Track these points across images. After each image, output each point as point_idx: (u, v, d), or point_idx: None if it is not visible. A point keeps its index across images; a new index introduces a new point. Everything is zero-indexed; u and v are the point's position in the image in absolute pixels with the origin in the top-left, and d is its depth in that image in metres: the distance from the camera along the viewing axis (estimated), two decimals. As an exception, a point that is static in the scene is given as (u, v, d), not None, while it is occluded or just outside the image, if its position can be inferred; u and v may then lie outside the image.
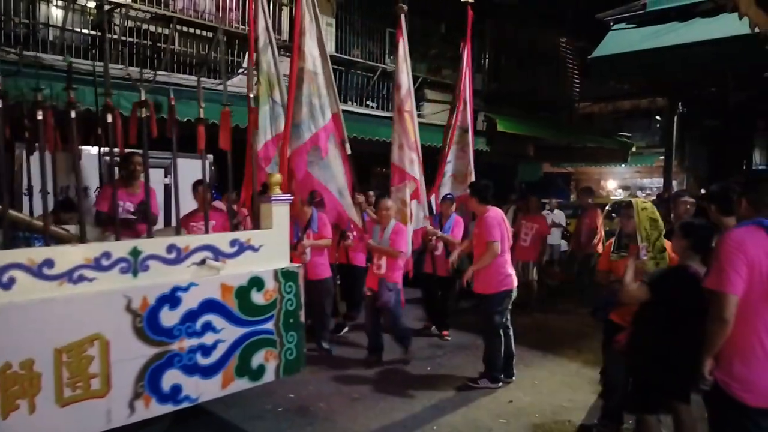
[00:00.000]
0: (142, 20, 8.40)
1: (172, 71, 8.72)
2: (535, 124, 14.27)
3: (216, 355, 3.81)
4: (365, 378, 5.76)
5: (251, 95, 5.23)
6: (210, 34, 9.12)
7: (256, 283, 3.99)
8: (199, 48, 9.20)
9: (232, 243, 3.96)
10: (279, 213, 4.21)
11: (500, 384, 5.52)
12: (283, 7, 10.18)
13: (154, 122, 4.28)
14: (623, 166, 19.96)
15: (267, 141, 5.57)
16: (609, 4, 9.11)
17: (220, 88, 9.04)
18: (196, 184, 5.30)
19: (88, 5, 7.95)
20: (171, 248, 3.68)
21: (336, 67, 11.12)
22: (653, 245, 3.90)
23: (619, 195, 20.11)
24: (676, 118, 13.09)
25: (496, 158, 13.37)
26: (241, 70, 9.59)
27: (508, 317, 5.61)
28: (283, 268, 4.14)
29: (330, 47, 10.89)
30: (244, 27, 9.44)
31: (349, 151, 5.75)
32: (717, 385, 2.89)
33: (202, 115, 4.27)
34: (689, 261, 3.45)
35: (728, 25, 5.92)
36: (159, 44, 8.58)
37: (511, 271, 5.52)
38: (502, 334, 5.48)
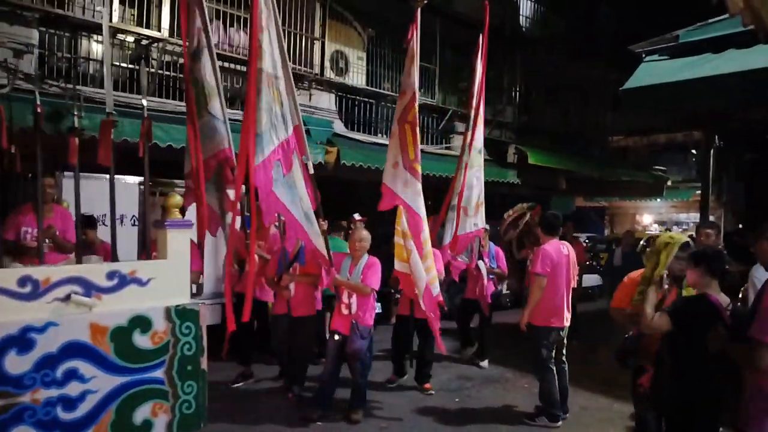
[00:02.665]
0: (179, 54, 8.66)
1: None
2: (567, 157, 14.16)
3: (84, 408, 3.22)
4: (393, 407, 5.69)
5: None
6: (243, 68, 9.33)
7: (140, 323, 3.40)
8: (233, 81, 9.42)
9: (110, 275, 3.40)
10: (176, 241, 3.66)
11: (560, 423, 5.30)
12: (315, 42, 10.38)
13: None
14: (659, 200, 19.61)
15: (205, 158, 4.75)
16: (641, 36, 9.06)
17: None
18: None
19: (126, 40, 8.24)
20: (25, 281, 3.14)
21: (367, 99, 11.28)
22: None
23: (655, 230, 19.70)
24: (712, 151, 12.82)
25: (527, 191, 13.27)
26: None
27: (564, 352, 5.49)
28: (178, 306, 3.53)
29: (361, 80, 11.07)
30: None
31: (311, 171, 5.04)
32: None
33: (76, 124, 4.07)
34: (707, 289, 3.34)
35: (764, 56, 5.80)
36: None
37: (563, 307, 5.27)
38: (553, 368, 5.30)
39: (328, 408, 5.30)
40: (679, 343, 3.38)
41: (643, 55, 7.83)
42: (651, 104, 7.56)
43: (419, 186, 5.62)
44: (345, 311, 5.18)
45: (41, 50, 7.47)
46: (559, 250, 5.31)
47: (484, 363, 7.27)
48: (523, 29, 14.52)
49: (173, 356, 3.52)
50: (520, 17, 14.50)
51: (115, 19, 7.90)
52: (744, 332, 2.89)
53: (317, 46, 10.37)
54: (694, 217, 18.58)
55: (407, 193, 5.57)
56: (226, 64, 9.26)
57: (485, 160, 13.02)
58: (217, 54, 8.74)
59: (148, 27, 8.24)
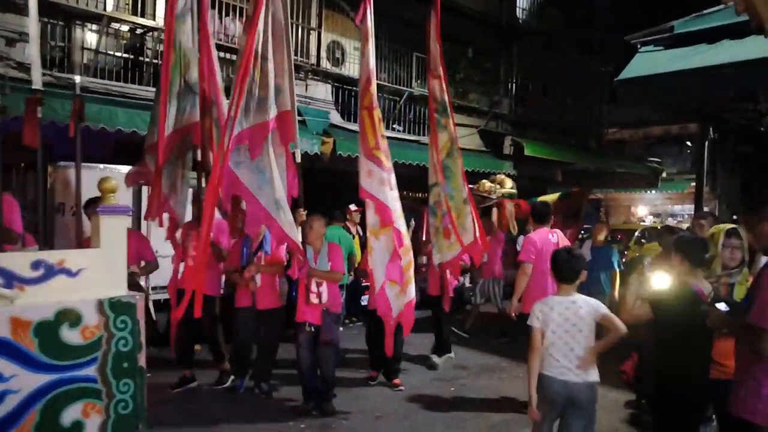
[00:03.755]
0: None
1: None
2: (563, 149, 14.21)
3: (2, 410, 2.99)
4: (389, 397, 5.70)
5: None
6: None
7: (69, 316, 3.15)
8: (229, 71, 9.38)
9: (35, 265, 3.13)
10: (110, 228, 3.39)
11: None
12: (311, 32, 10.36)
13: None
14: (653, 192, 19.66)
15: (169, 133, 4.66)
16: (637, 28, 9.06)
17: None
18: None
19: (121, 29, 8.20)
20: None
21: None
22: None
23: (650, 221, 19.75)
24: (707, 143, 12.86)
25: (523, 183, 13.28)
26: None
27: None
28: (112, 299, 3.28)
29: (357, 71, 11.02)
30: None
31: (298, 159, 4.86)
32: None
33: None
34: (690, 277, 3.35)
35: (758, 47, 5.81)
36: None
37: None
38: None
39: (315, 399, 5.20)
40: (661, 331, 3.40)
41: (639, 46, 7.82)
42: (646, 95, 7.55)
43: (384, 175, 5.07)
44: (315, 300, 5.02)
45: (35, 39, 7.41)
46: (546, 238, 5.35)
47: (439, 360, 6.77)
48: (520, 21, 14.50)
49: (107, 352, 3.26)
50: (517, 9, 14.48)
51: (109, 7, 7.85)
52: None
53: (314, 36, 10.34)
54: (689, 208, 18.60)
55: (371, 183, 5.05)
56: (222, 54, 9.23)
57: (482, 151, 13.15)
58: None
59: (143, 16, 8.20)
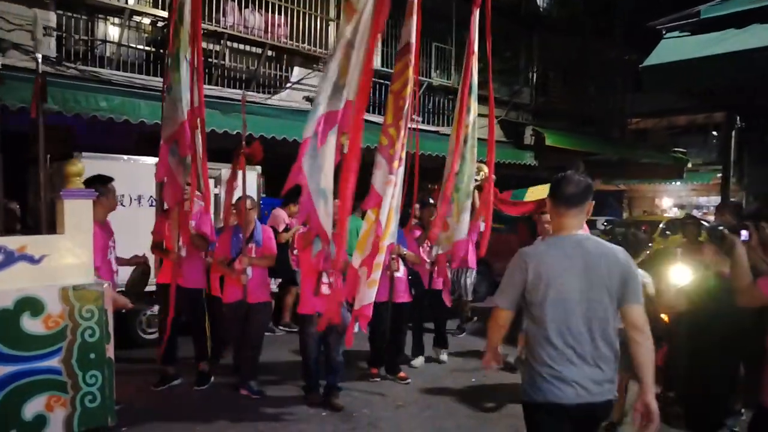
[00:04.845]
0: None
1: (223, 86, 8.97)
2: (585, 139, 14.03)
3: None
4: (410, 387, 5.69)
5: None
6: (259, 50, 9.34)
7: (30, 305, 3.01)
8: (249, 63, 9.42)
9: None
10: (75, 212, 3.22)
11: None
12: (329, 22, 10.34)
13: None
14: (678, 183, 19.36)
15: (182, 120, 4.46)
16: (661, 14, 8.89)
17: (268, 102, 9.32)
18: None
19: (143, 22, 8.27)
20: None
21: (381, 80, 11.23)
22: None
23: (674, 213, 19.47)
24: (734, 133, 12.61)
25: (544, 173, 13.17)
26: (288, 84, 9.78)
27: None
28: (76, 287, 3.12)
29: (376, 61, 11.00)
30: (292, 42, 9.65)
31: (345, 151, 4.62)
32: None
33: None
34: (722, 267, 3.29)
35: (789, 30, 5.67)
36: (210, 59, 8.83)
37: None
38: None
39: (317, 391, 5.15)
40: (697, 322, 3.35)
41: (664, 32, 7.67)
42: (671, 82, 7.41)
43: (379, 158, 4.73)
44: (327, 291, 4.84)
45: (59, 33, 7.51)
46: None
47: (417, 362, 6.38)
48: (541, 9, 14.32)
49: (72, 343, 3.10)
50: (538, -3, 14.33)
51: (131, 1, 7.92)
52: None
53: (332, 27, 10.32)
54: (715, 200, 18.29)
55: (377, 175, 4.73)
56: (242, 46, 9.28)
57: (502, 141, 13.03)
58: (232, 36, 8.87)
59: (164, 9, 8.25)
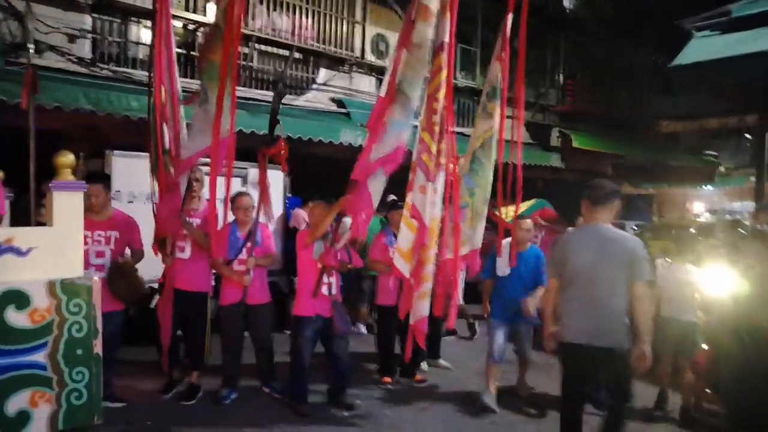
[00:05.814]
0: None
1: (251, 87, 9.11)
2: (613, 141, 13.86)
3: None
4: (434, 390, 5.68)
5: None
6: (286, 52, 9.46)
7: (16, 298, 2.93)
8: (275, 65, 9.55)
9: None
10: (64, 205, 3.13)
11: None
12: (356, 25, 10.43)
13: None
14: (710, 187, 18.97)
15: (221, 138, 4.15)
16: (691, 14, 8.75)
17: (296, 103, 9.43)
18: None
19: (174, 25, 8.43)
20: None
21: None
22: None
23: (706, 218, 19.08)
24: (767, 135, 12.34)
25: (571, 176, 13.06)
26: (315, 86, 9.89)
27: None
28: (64, 280, 3.03)
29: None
30: (318, 44, 9.76)
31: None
32: None
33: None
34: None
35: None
36: (239, 61, 8.96)
37: None
38: None
39: (305, 400, 4.91)
40: (746, 327, 3.30)
41: (694, 31, 7.57)
42: (701, 81, 7.32)
43: (415, 163, 4.66)
44: (326, 292, 4.79)
45: (94, 35, 7.71)
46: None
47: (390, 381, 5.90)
48: (567, 10, 14.21)
49: (58, 338, 3.00)
50: (565, -1, 14.23)
51: (162, 4, 8.08)
52: None
53: (358, 29, 10.41)
54: (749, 205, 17.90)
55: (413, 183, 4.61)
56: (270, 49, 9.41)
57: (528, 143, 12.96)
58: (260, 38, 9.01)
59: (195, 12, 8.42)
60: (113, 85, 7.28)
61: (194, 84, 8.07)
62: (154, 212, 4.83)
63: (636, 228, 14.59)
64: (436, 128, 4.48)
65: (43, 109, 6.33)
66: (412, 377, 5.80)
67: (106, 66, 7.67)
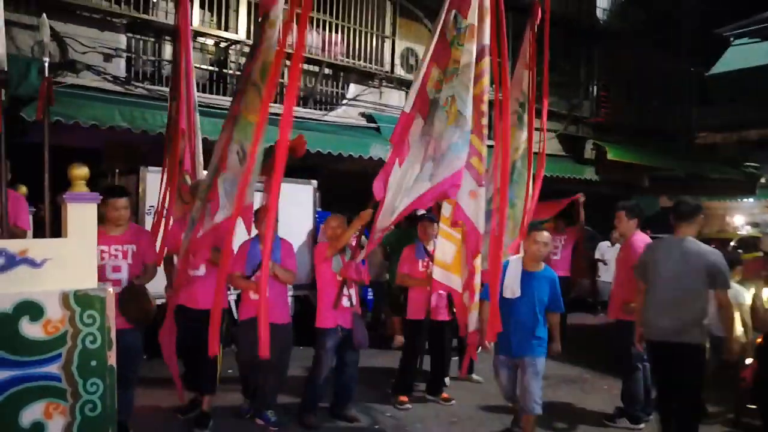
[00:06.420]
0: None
1: (282, 103, 9.18)
2: (649, 153, 13.57)
3: None
4: (464, 403, 5.60)
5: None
6: (316, 68, 9.53)
7: (30, 309, 2.92)
8: (306, 81, 9.63)
9: None
10: (79, 216, 3.13)
11: (642, 425, 5.04)
12: (385, 39, 10.46)
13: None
14: (751, 200, 18.44)
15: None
16: (728, 24, 8.55)
17: (326, 118, 9.49)
18: None
19: (206, 43, 8.59)
20: None
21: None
22: None
23: (746, 231, 18.53)
24: (811, 144, 11.96)
25: (606, 189, 12.82)
26: (345, 101, 9.93)
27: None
28: (78, 291, 3.02)
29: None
30: (348, 60, 9.82)
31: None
32: None
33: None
34: None
35: None
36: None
37: None
38: (641, 367, 5.01)
39: (314, 412, 4.91)
40: None
41: (732, 39, 7.40)
42: (740, 90, 7.14)
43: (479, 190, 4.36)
44: (347, 303, 4.81)
45: (128, 54, 7.89)
46: (647, 242, 5.08)
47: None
48: (601, 22, 14.05)
49: (72, 349, 2.99)
50: (597, 9, 14.05)
51: (195, 22, 8.23)
52: None
53: (387, 44, 10.43)
54: (793, 218, 17.35)
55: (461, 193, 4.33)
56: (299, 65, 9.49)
57: (561, 156, 12.78)
58: (290, 54, 9.06)
59: (227, 30, 8.55)
60: (148, 102, 7.41)
61: (223, 101, 8.24)
62: (162, 226, 4.77)
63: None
64: (485, 131, 4.37)
65: (80, 126, 6.49)
66: (440, 395, 5.68)
67: (140, 84, 7.83)
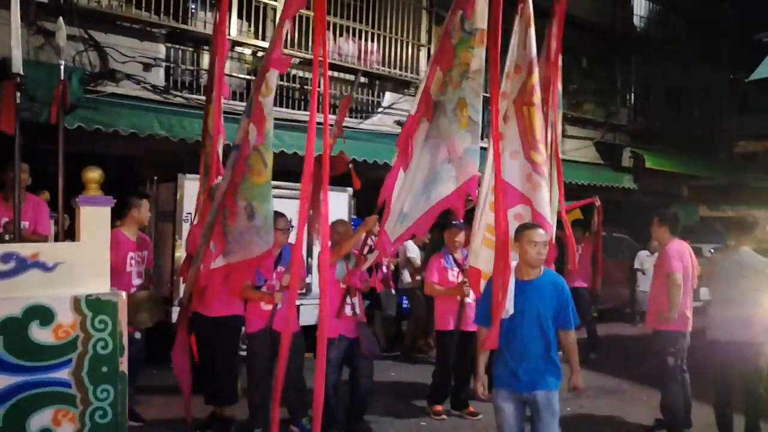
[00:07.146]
0: (291, 65, 9.00)
1: (318, 112, 9.22)
2: (689, 162, 13.29)
3: None
4: (492, 417, 5.45)
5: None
6: (352, 77, 9.56)
7: (40, 314, 2.85)
8: (342, 89, 9.67)
9: (6, 258, 2.85)
10: (91, 219, 3.07)
11: None
12: (420, 48, 10.45)
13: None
14: (793, 209, 17.88)
15: None
16: (765, 28, 8.33)
17: (362, 126, 9.50)
18: None
19: (243, 53, 8.69)
20: None
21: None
22: None
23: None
24: None
25: (645, 197, 12.58)
26: (380, 109, 9.93)
27: (685, 360, 5.01)
28: (89, 296, 2.95)
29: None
30: (384, 68, 9.83)
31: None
32: None
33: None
34: None
35: None
36: (306, 87, 9.13)
37: (689, 312, 4.88)
38: (678, 378, 4.89)
39: (335, 426, 4.70)
40: None
41: (774, 44, 7.19)
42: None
43: (540, 179, 4.22)
44: (350, 312, 4.66)
45: (167, 63, 8.02)
46: (684, 250, 4.94)
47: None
48: (638, 29, 13.84)
49: (83, 355, 2.91)
50: (635, 17, 13.85)
51: (233, 32, 8.34)
52: None
53: (423, 52, 10.41)
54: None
55: (527, 187, 4.25)
56: (336, 74, 9.54)
57: (598, 164, 12.58)
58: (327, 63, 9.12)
59: (264, 39, 8.63)
60: (186, 111, 7.51)
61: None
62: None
63: (713, 252, 13.89)
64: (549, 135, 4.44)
65: (120, 134, 6.60)
66: (465, 409, 5.48)
67: (179, 93, 7.94)
